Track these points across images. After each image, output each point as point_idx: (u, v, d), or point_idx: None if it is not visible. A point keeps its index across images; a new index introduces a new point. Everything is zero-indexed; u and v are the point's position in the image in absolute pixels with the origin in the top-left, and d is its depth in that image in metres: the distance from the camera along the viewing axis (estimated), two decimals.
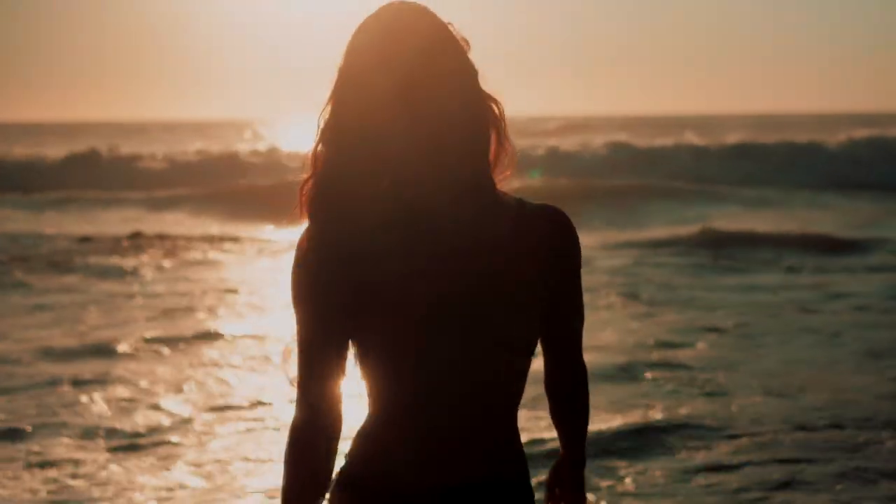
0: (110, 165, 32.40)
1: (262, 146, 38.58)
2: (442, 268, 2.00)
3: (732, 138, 36.43)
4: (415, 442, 2.03)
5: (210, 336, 10.79)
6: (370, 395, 2.08)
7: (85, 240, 18.93)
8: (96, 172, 31.40)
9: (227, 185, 28.32)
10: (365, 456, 2.07)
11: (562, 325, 2.16)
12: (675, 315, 11.75)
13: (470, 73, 2.03)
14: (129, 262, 16.18)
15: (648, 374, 9.12)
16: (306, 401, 2.01)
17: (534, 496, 2.16)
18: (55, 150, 36.51)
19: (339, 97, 2.00)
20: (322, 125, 2.02)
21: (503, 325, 2.03)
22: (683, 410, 7.95)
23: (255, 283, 14.27)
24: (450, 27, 2.03)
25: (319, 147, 2.03)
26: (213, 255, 17.27)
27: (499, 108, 2.08)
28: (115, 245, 18.11)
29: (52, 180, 30.16)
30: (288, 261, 2.09)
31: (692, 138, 37.39)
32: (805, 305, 12.30)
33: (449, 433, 2.04)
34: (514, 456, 2.12)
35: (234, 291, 13.56)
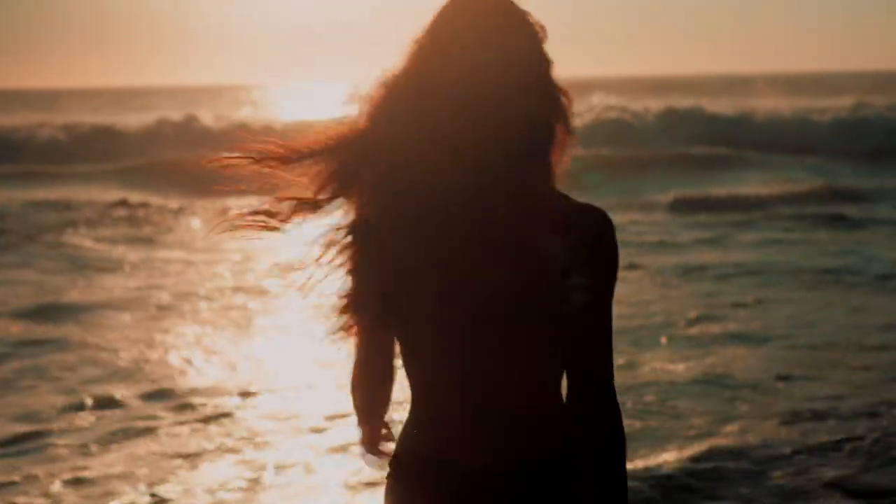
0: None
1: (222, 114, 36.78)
2: (464, 256, 1.99)
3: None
4: (438, 429, 2.08)
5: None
6: (408, 380, 2.15)
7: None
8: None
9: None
10: (403, 439, 2.16)
11: (579, 340, 2.01)
12: None
13: (541, 62, 2.01)
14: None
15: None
16: (357, 349, 2.20)
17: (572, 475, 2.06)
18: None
19: (404, 73, 2.01)
20: (375, 95, 2.02)
21: (522, 315, 1.99)
22: None
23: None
24: (527, 15, 2.02)
25: (367, 113, 2.02)
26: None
27: (567, 100, 2.04)
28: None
29: None
30: None
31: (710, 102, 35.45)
32: None
33: (471, 422, 2.05)
34: (542, 438, 2.07)
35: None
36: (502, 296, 1.98)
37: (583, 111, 29.61)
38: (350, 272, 2.05)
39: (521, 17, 2.02)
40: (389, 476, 2.18)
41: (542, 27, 2.03)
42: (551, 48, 2.07)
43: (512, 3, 2.02)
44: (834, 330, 9.40)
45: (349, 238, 2.04)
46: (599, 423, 1.99)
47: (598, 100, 33.72)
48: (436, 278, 2.00)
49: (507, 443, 2.05)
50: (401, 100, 2.00)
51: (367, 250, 2.03)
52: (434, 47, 2.00)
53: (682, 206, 18.56)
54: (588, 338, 2.00)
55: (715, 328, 9.51)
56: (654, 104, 31.80)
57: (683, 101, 32.91)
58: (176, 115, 31.71)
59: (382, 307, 2.04)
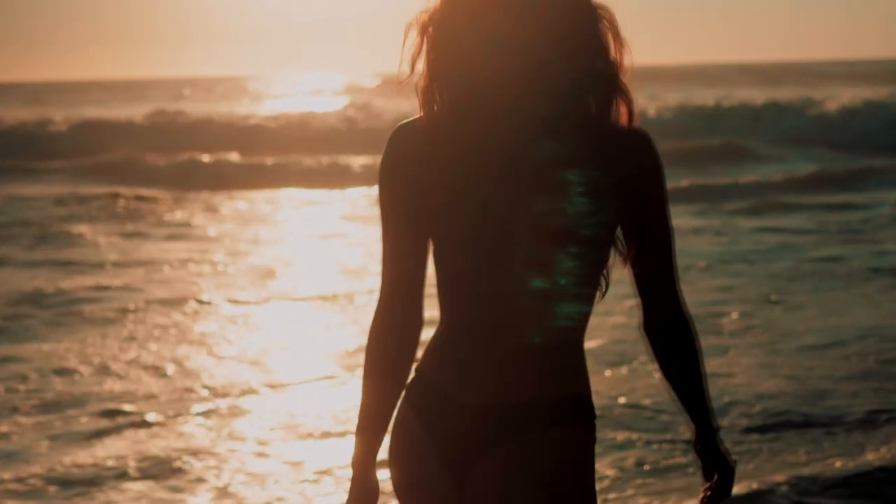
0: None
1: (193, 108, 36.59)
2: (497, 186, 2.06)
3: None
4: (458, 359, 2.13)
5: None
6: (439, 302, 2.18)
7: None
8: None
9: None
10: (425, 363, 2.19)
11: (644, 257, 2.15)
12: None
13: (598, 33, 2.06)
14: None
15: None
16: (387, 284, 2.17)
17: (586, 412, 2.15)
18: None
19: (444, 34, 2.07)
20: (429, 41, 2.08)
21: (571, 237, 2.05)
22: None
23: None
24: None
25: (430, 59, 2.09)
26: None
27: (609, 14, 2.08)
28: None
29: None
30: None
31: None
32: None
33: (491, 353, 2.10)
34: (561, 375, 2.12)
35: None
36: (549, 216, 2.05)
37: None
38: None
39: None
40: (405, 391, 2.22)
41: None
42: None
43: None
44: None
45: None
46: (686, 334, 2.19)
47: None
48: (483, 193, 2.07)
49: (510, 380, 2.11)
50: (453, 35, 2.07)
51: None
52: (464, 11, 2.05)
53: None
54: (667, 253, 2.16)
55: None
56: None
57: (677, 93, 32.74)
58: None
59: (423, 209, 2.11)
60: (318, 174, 23.45)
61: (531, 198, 2.05)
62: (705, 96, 32.39)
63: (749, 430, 6.54)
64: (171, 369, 8.23)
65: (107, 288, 11.31)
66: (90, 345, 8.98)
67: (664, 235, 2.16)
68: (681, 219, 15.08)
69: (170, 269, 12.45)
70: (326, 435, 6.70)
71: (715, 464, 2.27)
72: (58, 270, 12.42)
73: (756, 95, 34.77)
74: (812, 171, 21.26)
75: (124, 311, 10.16)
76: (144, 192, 20.54)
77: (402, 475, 2.19)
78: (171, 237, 15.09)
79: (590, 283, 2.11)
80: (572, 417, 2.12)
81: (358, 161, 24.42)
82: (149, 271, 12.28)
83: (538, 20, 2.04)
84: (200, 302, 10.57)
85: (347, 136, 28.57)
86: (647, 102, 30.36)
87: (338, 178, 22.73)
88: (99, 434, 6.78)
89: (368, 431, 2.20)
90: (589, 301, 2.14)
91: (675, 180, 19.47)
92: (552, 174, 2.04)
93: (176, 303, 10.52)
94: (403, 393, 2.20)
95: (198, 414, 7.15)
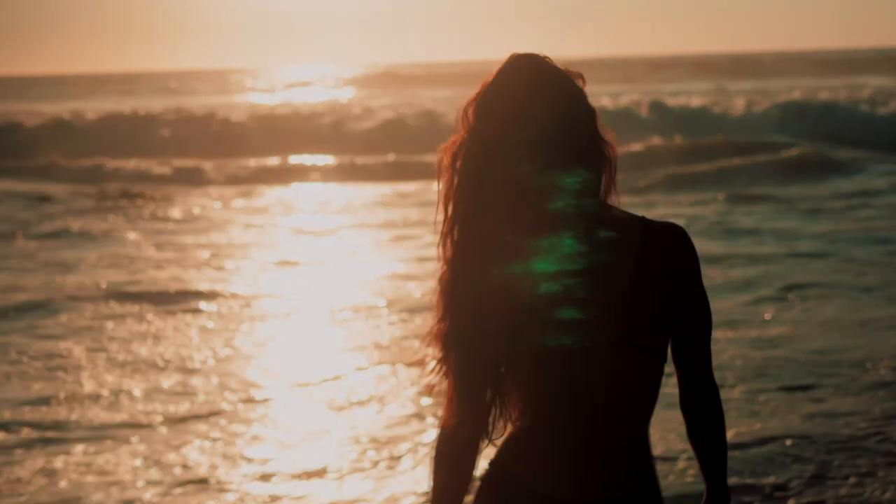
0: None
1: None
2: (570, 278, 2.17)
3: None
4: (550, 454, 2.20)
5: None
6: (514, 396, 2.25)
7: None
8: None
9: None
10: (500, 451, 2.25)
11: (682, 338, 2.26)
12: None
13: (591, 115, 2.23)
14: None
15: None
16: (456, 411, 2.22)
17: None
18: None
19: (473, 151, 2.18)
20: (457, 182, 2.19)
21: (625, 329, 2.18)
22: None
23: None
24: (568, 73, 2.23)
25: (457, 198, 2.20)
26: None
27: (613, 151, 2.24)
28: None
29: None
30: None
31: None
32: None
33: (581, 445, 2.19)
34: (644, 468, 2.25)
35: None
36: (612, 319, 2.18)
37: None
38: (448, 308, 2.20)
39: (571, 81, 2.23)
40: (478, 483, 2.28)
41: (580, 76, 2.25)
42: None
43: (553, 66, 2.23)
44: None
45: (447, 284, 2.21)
46: (717, 413, 2.32)
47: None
48: (544, 308, 2.17)
49: (592, 477, 2.21)
50: (469, 163, 2.19)
51: (467, 292, 2.18)
52: (492, 109, 2.19)
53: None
54: (704, 337, 2.28)
55: None
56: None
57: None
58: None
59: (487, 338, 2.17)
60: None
61: (606, 294, 2.19)
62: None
63: None
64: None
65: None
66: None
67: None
68: None
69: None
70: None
71: None
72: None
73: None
74: None
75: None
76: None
77: None
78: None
79: (655, 367, 2.24)
80: None
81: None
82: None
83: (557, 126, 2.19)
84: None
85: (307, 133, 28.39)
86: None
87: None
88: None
89: None
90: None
91: None
92: (611, 269, 2.20)
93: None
94: (479, 486, 2.27)
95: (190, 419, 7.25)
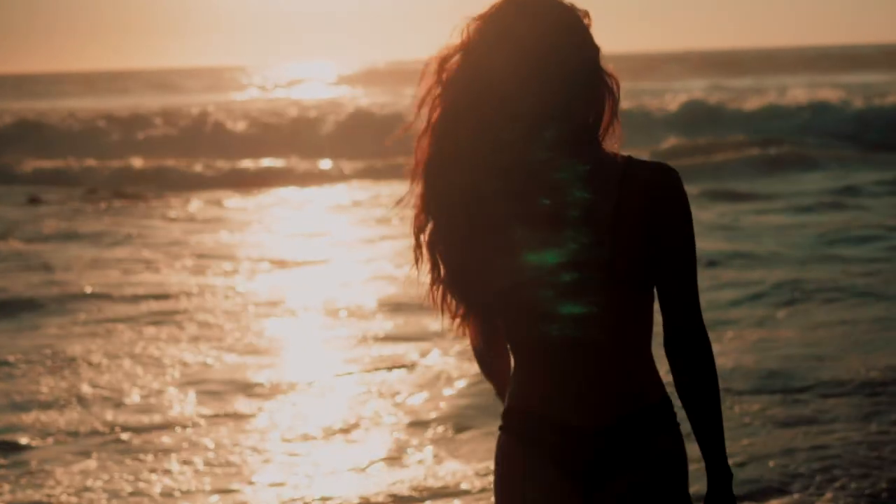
0: None
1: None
2: (542, 219, 2.25)
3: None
4: (533, 389, 2.35)
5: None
6: (509, 345, 2.40)
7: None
8: None
9: None
10: (509, 396, 2.40)
11: (663, 280, 2.29)
12: None
13: (590, 50, 2.26)
14: None
15: None
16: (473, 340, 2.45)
17: (669, 423, 2.34)
18: None
19: (463, 67, 2.23)
20: (440, 91, 2.25)
21: (606, 265, 2.23)
22: None
23: None
24: (573, 7, 2.26)
25: (436, 105, 2.25)
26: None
27: (616, 85, 2.29)
28: None
29: None
30: None
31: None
32: None
33: (569, 379, 2.30)
34: (640, 389, 2.32)
35: None
36: (598, 260, 2.24)
37: None
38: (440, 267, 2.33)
39: (571, 11, 2.25)
40: (501, 427, 2.44)
41: (587, 14, 2.27)
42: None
43: (560, 2, 2.26)
44: None
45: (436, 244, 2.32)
46: (701, 357, 2.29)
47: None
48: (527, 248, 2.26)
49: (589, 402, 2.31)
50: (459, 95, 2.24)
51: (450, 243, 2.29)
52: (486, 37, 2.23)
53: None
54: (686, 281, 2.28)
55: None
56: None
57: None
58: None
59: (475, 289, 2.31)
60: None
61: (588, 234, 2.29)
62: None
63: None
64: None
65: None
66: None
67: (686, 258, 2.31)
68: None
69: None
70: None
71: None
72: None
73: None
74: None
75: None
76: None
77: (522, 496, 2.37)
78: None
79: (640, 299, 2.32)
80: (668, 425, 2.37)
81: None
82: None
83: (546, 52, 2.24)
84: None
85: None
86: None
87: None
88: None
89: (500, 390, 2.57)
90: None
91: None
92: (594, 211, 2.27)
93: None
94: (500, 431, 2.45)
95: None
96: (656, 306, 2.35)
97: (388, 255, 13.01)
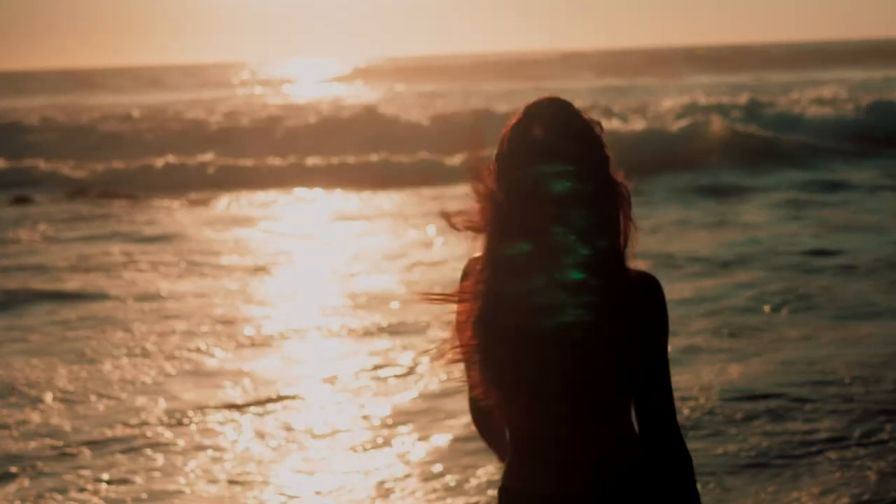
0: None
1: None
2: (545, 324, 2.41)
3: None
4: (528, 463, 2.52)
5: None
6: (507, 426, 2.58)
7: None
8: None
9: None
10: (505, 473, 2.59)
11: (644, 395, 2.45)
12: None
13: (606, 162, 2.43)
14: None
15: None
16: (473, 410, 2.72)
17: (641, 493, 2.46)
18: None
19: (500, 171, 2.43)
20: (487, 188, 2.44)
21: (596, 376, 2.41)
22: None
23: None
24: (589, 121, 2.45)
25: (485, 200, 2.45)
26: None
27: (626, 191, 2.44)
28: None
29: None
30: None
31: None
32: None
33: (552, 455, 2.48)
34: (622, 463, 2.47)
35: None
36: (593, 364, 2.40)
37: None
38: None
39: (590, 126, 2.44)
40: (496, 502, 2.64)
41: (599, 124, 2.47)
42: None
43: (579, 113, 2.46)
44: None
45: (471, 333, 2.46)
46: (677, 456, 2.45)
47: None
48: (532, 351, 2.42)
49: (578, 477, 2.47)
50: (498, 202, 2.42)
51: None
52: (514, 157, 2.42)
53: None
54: (661, 388, 2.45)
55: None
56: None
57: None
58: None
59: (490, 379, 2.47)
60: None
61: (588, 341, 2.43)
62: None
63: None
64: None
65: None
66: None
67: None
68: None
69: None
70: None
71: None
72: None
73: None
74: None
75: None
76: None
77: None
78: None
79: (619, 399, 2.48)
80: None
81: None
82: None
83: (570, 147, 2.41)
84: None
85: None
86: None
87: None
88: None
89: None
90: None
91: None
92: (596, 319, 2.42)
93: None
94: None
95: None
96: None
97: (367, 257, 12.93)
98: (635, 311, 2.39)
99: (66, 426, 7.07)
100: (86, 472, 6.28)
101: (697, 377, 7.62)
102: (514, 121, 2.46)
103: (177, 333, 9.43)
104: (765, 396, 7.20)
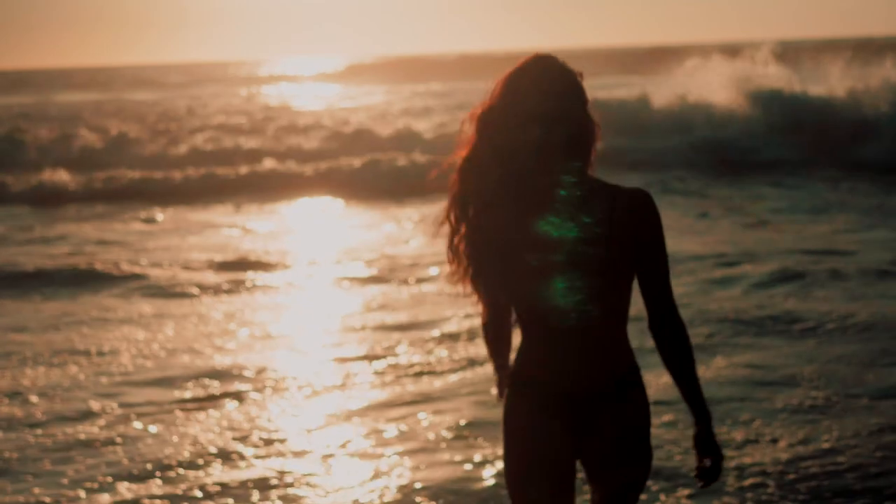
0: None
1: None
2: (547, 225, 3.01)
3: None
4: (546, 362, 3.08)
5: None
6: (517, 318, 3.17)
7: None
8: None
9: None
10: (515, 363, 3.16)
11: (644, 277, 3.05)
12: None
13: (583, 103, 3.05)
14: None
15: None
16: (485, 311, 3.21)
17: (636, 390, 3.10)
18: None
19: (488, 114, 3.02)
20: (473, 128, 3.05)
21: (602, 264, 3.00)
22: None
23: None
24: (573, 72, 3.06)
25: (471, 136, 3.05)
26: None
27: (597, 131, 3.07)
28: None
29: None
30: None
31: None
32: None
33: (568, 356, 3.05)
34: (622, 366, 3.09)
35: None
36: (594, 257, 2.97)
37: None
38: (466, 259, 3.07)
39: (572, 75, 3.03)
40: (508, 388, 3.15)
41: (580, 73, 3.06)
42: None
43: (563, 65, 3.02)
44: None
45: (465, 242, 3.06)
46: (676, 333, 3.07)
47: None
48: (538, 251, 2.99)
49: (584, 374, 3.04)
50: (491, 127, 3.01)
51: (477, 244, 3.03)
52: (512, 92, 2.98)
53: None
54: (661, 275, 3.04)
55: None
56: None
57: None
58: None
59: (493, 279, 3.05)
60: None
61: (589, 237, 3.01)
62: None
63: None
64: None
65: None
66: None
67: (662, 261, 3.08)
68: None
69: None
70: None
71: (707, 451, 3.09)
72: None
73: None
74: None
75: None
76: None
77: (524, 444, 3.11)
78: None
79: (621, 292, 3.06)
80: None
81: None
82: None
83: (556, 100, 2.99)
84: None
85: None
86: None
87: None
88: None
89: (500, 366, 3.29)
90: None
91: None
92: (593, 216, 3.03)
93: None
94: (508, 392, 3.17)
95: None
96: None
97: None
98: (630, 212, 2.98)
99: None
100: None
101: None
102: (501, 80, 3.02)
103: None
104: None
